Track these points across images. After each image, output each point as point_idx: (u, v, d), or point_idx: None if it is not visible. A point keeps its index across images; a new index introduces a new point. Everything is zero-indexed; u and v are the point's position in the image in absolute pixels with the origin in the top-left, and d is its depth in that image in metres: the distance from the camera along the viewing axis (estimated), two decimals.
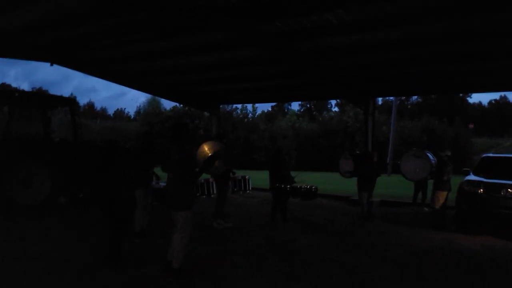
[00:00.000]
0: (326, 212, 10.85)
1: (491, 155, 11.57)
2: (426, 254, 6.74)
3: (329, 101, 52.86)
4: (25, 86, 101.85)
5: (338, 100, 50.63)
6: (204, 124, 33.68)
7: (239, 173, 10.42)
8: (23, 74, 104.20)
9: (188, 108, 34.64)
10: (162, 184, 8.18)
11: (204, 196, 10.67)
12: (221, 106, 18.47)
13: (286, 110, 52.95)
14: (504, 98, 59.30)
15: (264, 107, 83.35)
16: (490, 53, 9.21)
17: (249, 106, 40.30)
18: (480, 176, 8.93)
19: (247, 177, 13.14)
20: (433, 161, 9.33)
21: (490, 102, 59.71)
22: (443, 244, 7.46)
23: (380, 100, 46.37)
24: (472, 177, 9.08)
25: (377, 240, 7.79)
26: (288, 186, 9.00)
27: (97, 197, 5.65)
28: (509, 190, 8.14)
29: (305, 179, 10.75)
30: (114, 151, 5.91)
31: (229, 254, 6.40)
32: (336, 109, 50.69)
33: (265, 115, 47.07)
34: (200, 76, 13.41)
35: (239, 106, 40.47)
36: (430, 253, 6.84)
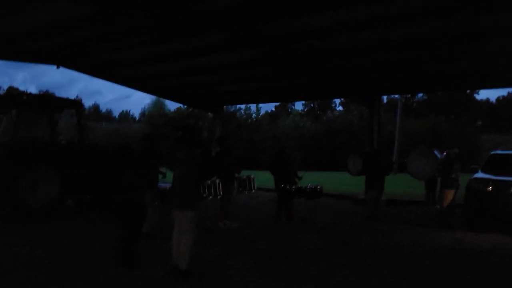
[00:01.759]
0: (332, 212, 10.77)
1: (499, 152, 11.35)
2: (435, 254, 6.65)
3: (333, 100, 52.37)
4: (32, 89, 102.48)
5: (342, 99, 50.34)
6: (208, 125, 33.64)
7: (244, 174, 10.39)
8: (30, 78, 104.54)
9: (192, 109, 34.64)
10: (167, 184, 8.14)
11: (211, 197, 10.68)
12: (224, 106, 18.42)
13: (289, 110, 52.54)
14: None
15: (267, 107, 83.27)
16: (495, 51, 9.14)
17: (253, 106, 40.31)
18: (488, 174, 8.83)
19: (252, 176, 13.12)
20: (439, 159, 9.23)
21: (498, 99, 58.61)
22: (451, 244, 7.37)
23: (385, 98, 45.97)
24: (480, 174, 8.99)
25: (384, 240, 7.69)
26: (294, 187, 8.96)
27: (109, 200, 5.69)
28: None
29: (310, 178, 10.71)
30: (127, 154, 5.96)
31: (234, 255, 6.35)
32: (340, 108, 50.28)
33: (269, 115, 46.80)
34: (204, 77, 13.38)
35: (243, 106, 40.51)
36: (438, 253, 6.75)
